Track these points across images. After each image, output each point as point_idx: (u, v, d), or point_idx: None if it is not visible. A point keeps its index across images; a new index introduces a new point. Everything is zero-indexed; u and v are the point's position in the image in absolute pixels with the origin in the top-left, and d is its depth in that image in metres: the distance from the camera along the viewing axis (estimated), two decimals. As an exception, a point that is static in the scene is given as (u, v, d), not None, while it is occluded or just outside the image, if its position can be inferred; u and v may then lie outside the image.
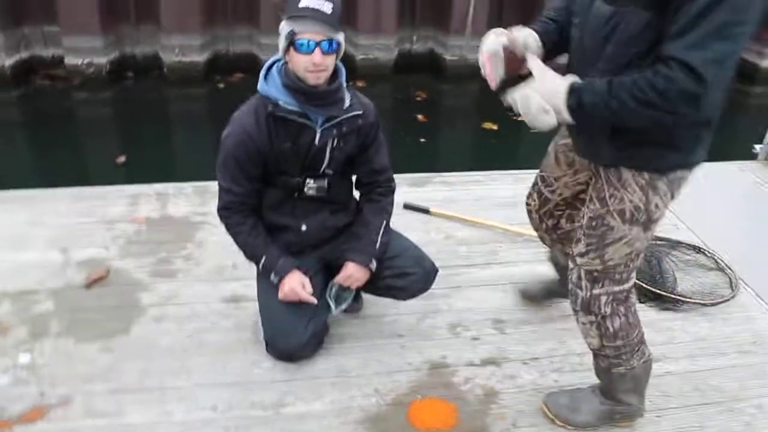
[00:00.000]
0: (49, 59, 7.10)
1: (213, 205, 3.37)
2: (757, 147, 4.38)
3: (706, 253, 3.24)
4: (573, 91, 1.66)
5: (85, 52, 6.83)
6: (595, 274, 1.99)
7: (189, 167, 5.40)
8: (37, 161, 5.57)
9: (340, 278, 2.41)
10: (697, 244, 3.31)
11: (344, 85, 2.27)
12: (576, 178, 2.22)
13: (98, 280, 2.89)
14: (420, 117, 6.76)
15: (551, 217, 2.38)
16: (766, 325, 2.84)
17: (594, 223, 1.95)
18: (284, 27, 2.11)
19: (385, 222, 2.46)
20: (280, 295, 2.37)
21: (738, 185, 4.08)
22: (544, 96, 1.68)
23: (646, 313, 2.84)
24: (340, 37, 2.14)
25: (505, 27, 1.89)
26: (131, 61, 7.27)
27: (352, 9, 7.36)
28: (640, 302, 2.90)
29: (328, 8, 2.07)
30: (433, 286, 2.55)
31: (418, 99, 7.35)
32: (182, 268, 3.00)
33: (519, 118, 1.75)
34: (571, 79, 1.70)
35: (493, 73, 1.79)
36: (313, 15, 2.04)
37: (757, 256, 3.29)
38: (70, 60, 6.84)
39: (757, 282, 3.08)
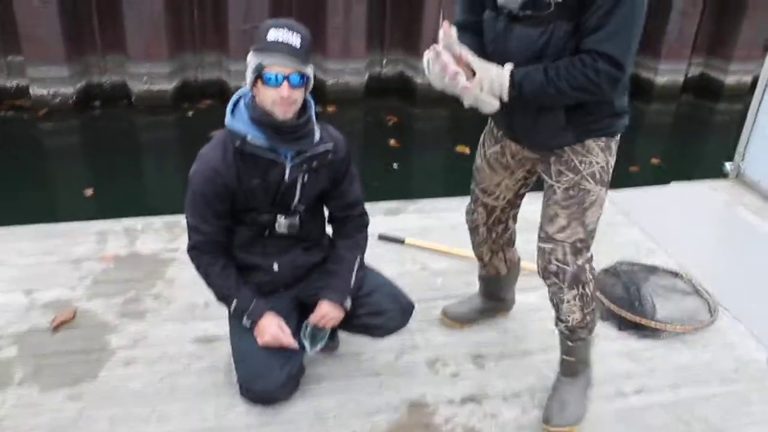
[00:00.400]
0: (13, 89, 6.96)
1: (183, 240, 3.28)
2: (728, 165, 4.42)
3: (683, 277, 3.23)
4: (514, 82, 1.91)
5: (51, 82, 6.70)
6: (578, 244, 2.16)
7: (159, 199, 5.31)
8: (1, 195, 5.41)
9: (314, 318, 2.35)
10: (674, 269, 3.30)
11: (314, 118, 2.22)
12: (514, 176, 2.40)
13: (64, 323, 2.78)
14: (392, 142, 6.74)
15: (500, 223, 2.53)
16: (746, 350, 2.83)
17: (571, 192, 2.13)
18: (252, 59, 2.06)
19: (359, 258, 2.41)
20: (260, 341, 2.30)
21: (710, 205, 4.11)
22: (490, 85, 1.90)
23: (625, 342, 2.83)
24: (309, 70, 2.09)
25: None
26: (98, 90, 7.16)
27: (322, 34, 7.35)
28: (619, 329, 2.89)
29: (296, 41, 2.02)
30: (411, 321, 2.49)
31: (390, 123, 7.34)
32: (152, 308, 2.90)
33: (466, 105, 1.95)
34: (509, 68, 1.92)
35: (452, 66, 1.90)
36: (282, 48, 2.00)
37: (733, 278, 3.30)
38: (36, 90, 6.71)
39: (735, 305, 3.07)
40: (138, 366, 2.56)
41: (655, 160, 6.73)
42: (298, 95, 2.09)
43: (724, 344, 2.86)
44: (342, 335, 2.67)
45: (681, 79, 8.66)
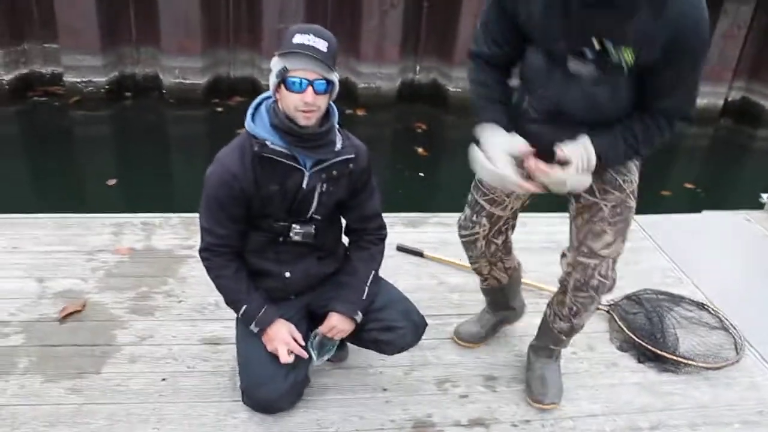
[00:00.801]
0: (48, 76, 7.02)
1: (199, 238, 3.28)
2: (764, 196, 4.26)
3: (711, 310, 3.10)
4: (600, 157, 1.92)
5: (84, 70, 6.74)
6: (617, 258, 2.22)
7: (179, 194, 5.28)
8: (26, 180, 5.43)
9: (323, 328, 2.28)
10: (701, 301, 3.18)
11: (336, 127, 2.16)
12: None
13: (73, 314, 2.76)
14: (420, 150, 6.66)
15: (500, 234, 2.46)
16: (771, 392, 2.70)
17: (618, 210, 2.16)
18: (276, 63, 2.01)
19: (373, 272, 2.33)
20: (270, 348, 2.24)
21: (744, 237, 3.96)
22: (583, 165, 1.91)
23: (645, 375, 2.72)
24: (335, 77, 2.03)
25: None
26: (130, 81, 7.19)
27: (356, 37, 7.30)
28: (639, 362, 2.78)
29: (323, 46, 1.96)
30: (423, 337, 2.41)
31: (419, 131, 7.26)
32: (162, 305, 2.87)
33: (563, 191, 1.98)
34: (588, 141, 1.91)
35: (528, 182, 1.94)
36: (307, 52, 1.94)
37: (763, 315, 3.16)
38: (69, 78, 6.76)
39: (763, 345, 2.94)
40: (142, 364, 2.53)
41: (688, 185, 6.55)
42: (322, 102, 2.03)
43: (748, 384, 2.73)
44: (351, 347, 2.60)
45: (721, 102, 8.43)
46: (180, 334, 2.70)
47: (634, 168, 2.18)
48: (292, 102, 1.99)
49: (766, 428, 2.52)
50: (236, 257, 2.25)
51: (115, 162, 5.99)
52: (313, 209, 2.19)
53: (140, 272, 3.07)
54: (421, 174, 6.03)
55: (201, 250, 2.25)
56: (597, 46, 1.80)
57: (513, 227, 2.50)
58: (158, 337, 2.68)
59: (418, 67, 8.06)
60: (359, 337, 2.36)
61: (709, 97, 8.35)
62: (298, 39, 1.94)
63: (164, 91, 7.05)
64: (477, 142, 2.00)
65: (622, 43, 1.78)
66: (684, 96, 1.91)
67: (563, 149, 1.91)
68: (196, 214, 3.42)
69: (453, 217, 3.78)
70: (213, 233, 2.19)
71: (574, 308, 2.29)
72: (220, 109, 7.06)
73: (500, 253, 2.50)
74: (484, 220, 2.40)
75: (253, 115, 2.12)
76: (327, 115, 2.10)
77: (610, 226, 2.16)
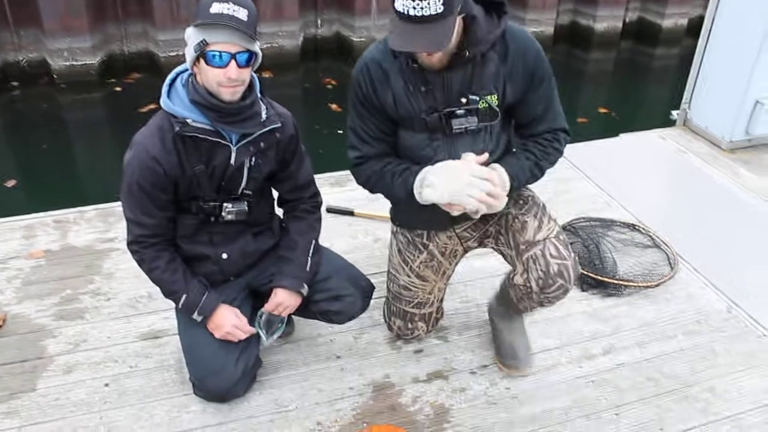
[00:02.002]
0: None
1: (119, 229, 3.11)
2: (674, 113, 4.39)
3: (642, 230, 3.19)
4: (513, 179, 2.02)
5: (-40, 63, 6.23)
6: (561, 236, 2.12)
7: (90, 185, 5.00)
8: None
9: (269, 306, 2.20)
10: (631, 222, 3.26)
11: (259, 96, 2.03)
12: (446, 276, 2.40)
13: (-6, 331, 2.56)
14: (334, 106, 6.52)
15: (437, 320, 2.53)
16: (707, 301, 2.81)
17: (521, 201, 2.18)
18: (193, 35, 1.85)
19: (313, 241, 2.25)
20: (218, 335, 2.14)
21: (661, 154, 4.08)
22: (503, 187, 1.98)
23: (590, 302, 2.78)
24: (257, 47, 1.90)
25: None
26: (15, 69, 6.68)
27: None
28: (582, 290, 2.83)
29: (243, 14, 1.81)
30: (369, 300, 2.37)
31: (329, 87, 7.11)
32: (91, 306, 2.70)
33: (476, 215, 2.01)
34: (502, 169, 2.00)
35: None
36: (228, 23, 1.79)
37: (689, 228, 3.28)
38: (-55, 73, 6.23)
39: (693, 255, 3.05)
40: (80, 372, 2.38)
41: (602, 110, 6.72)
42: (246, 75, 1.90)
43: (685, 296, 2.84)
44: (297, 318, 2.53)
45: (619, 25, 8.64)
46: (116, 334, 2.55)
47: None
48: (214, 77, 1.86)
49: (706, 336, 2.63)
50: (168, 246, 2.12)
51: (11, 160, 5.58)
52: (243, 185, 2.08)
53: (61, 274, 2.88)
54: (340, 131, 5.91)
55: (129, 243, 2.10)
56: (464, 101, 1.96)
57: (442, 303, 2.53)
58: (92, 340, 2.52)
59: (319, 21, 7.85)
60: (307, 309, 2.29)
61: (608, 20, 8.55)
62: (216, 8, 1.79)
63: (54, 76, 6.60)
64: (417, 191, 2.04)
65: (484, 93, 1.96)
66: (554, 114, 2.08)
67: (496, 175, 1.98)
68: (113, 204, 3.32)
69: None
70: (140, 224, 2.04)
71: (546, 302, 2.17)
72: (118, 89, 6.69)
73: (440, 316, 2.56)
74: (420, 324, 2.46)
75: (168, 92, 1.97)
76: (249, 85, 1.98)
77: (526, 215, 2.14)
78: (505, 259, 2.26)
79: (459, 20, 1.82)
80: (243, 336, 2.16)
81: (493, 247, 2.29)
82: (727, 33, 3.98)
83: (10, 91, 6.49)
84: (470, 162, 1.97)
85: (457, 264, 2.41)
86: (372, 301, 2.47)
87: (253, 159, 2.05)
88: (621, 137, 4.21)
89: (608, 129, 5.17)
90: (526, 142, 2.13)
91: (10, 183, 4.92)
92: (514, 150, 2.17)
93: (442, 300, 2.49)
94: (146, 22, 6.96)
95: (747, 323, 2.69)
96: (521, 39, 1.98)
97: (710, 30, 4.05)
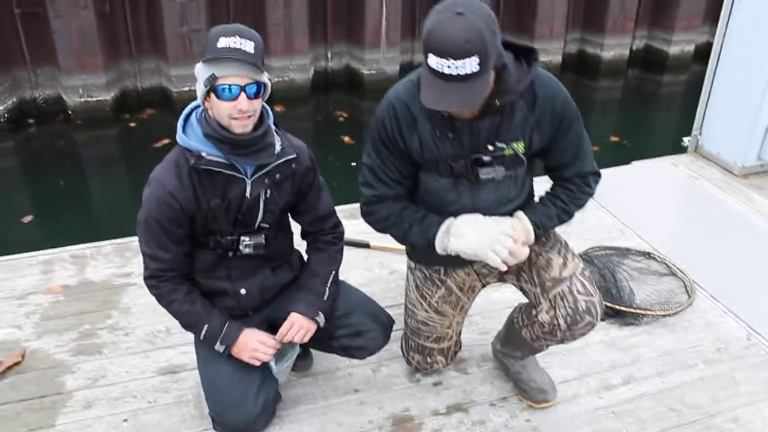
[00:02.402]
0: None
1: (136, 264, 3.13)
2: (686, 140, 4.40)
3: (657, 258, 3.18)
4: (538, 227, 2.05)
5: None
6: (587, 273, 2.12)
7: (106, 220, 5.03)
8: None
9: (283, 329, 2.17)
10: (646, 250, 3.25)
11: (273, 128, 2.06)
12: (464, 310, 2.40)
13: (12, 367, 2.56)
14: (347, 139, 6.58)
15: (456, 353, 2.50)
16: (726, 329, 2.79)
17: (543, 240, 2.16)
18: (202, 70, 1.89)
19: (333, 272, 2.26)
20: (245, 358, 2.12)
21: (674, 181, 4.08)
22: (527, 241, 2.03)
23: (608, 331, 2.76)
24: (265, 77, 1.93)
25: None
26: (31, 107, 6.78)
27: (262, 32, 6.97)
28: (600, 320, 2.80)
29: (250, 47, 1.85)
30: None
31: (341, 119, 7.17)
32: (109, 341, 2.71)
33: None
34: (522, 215, 2.05)
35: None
36: (235, 56, 1.82)
37: (704, 254, 3.27)
38: (-39, 112, 6.33)
39: (710, 283, 3.04)
40: (99, 408, 2.38)
41: (614, 138, 6.73)
42: (257, 106, 1.92)
43: (704, 324, 2.82)
44: (315, 353, 2.53)
45: (626, 52, 8.70)
46: (134, 369, 2.56)
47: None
48: (224, 110, 1.89)
49: (727, 364, 2.61)
50: (184, 279, 2.13)
51: (28, 196, 5.63)
52: (260, 218, 2.09)
53: (79, 309, 2.89)
54: (353, 163, 5.95)
55: (146, 278, 2.11)
56: (492, 149, 1.95)
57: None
58: (111, 375, 2.53)
59: (329, 54, 7.95)
60: (329, 345, 2.30)
61: (615, 49, 8.61)
62: (223, 42, 1.83)
63: (70, 113, 6.69)
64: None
65: (511, 140, 1.96)
66: (583, 158, 2.07)
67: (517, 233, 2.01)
68: (129, 239, 3.34)
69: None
70: (157, 258, 2.06)
71: (568, 340, 2.14)
72: (133, 124, 6.76)
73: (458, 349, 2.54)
74: (439, 357, 2.43)
75: (183, 127, 2.00)
76: (261, 117, 2.00)
77: (550, 252, 2.13)
78: (526, 295, 2.21)
79: (494, 74, 1.81)
80: (271, 352, 2.14)
81: (513, 283, 2.24)
82: (736, 58, 4.00)
83: (27, 129, 6.58)
84: (500, 221, 2.01)
85: (475, 297, 2.40)
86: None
87: (269, 191, 2.07)
88: (633, 165, 4.22)
89: (619, 156, 5.17)
90: (555, 188, 2.14)
91: (27, 219, 4.96)
92: (542, 195, 2.16)
93: (460, 333, 2.47)
94: (159, 58, 7.06)
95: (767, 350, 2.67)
96: (549, 86, 1.97)
97: (719, 56, 4.08)
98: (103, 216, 5.25)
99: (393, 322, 2.35)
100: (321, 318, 2.20)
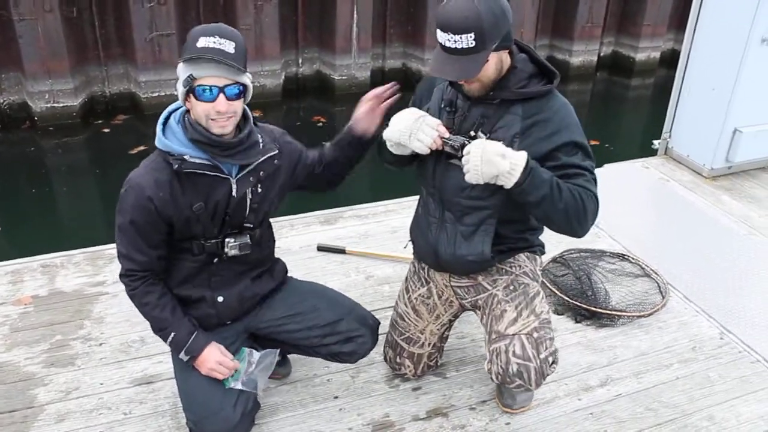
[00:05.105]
0: None
1: (109, 272, 3.08)
2: (656, 143, 4.47)
3: (631, 259, 3.22)
4: (528, 166, 1.88)
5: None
6: (535, 334, 2.04)
7: (77, 228, 4.94)
8: None
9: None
10: (620, 252, 3.29)
11: (254, 127, 2.04)
12: (439, 321, 2.38)
13: (-18, 380, 2.50)
14: (327, 145, 6.53)
15: (429, 367, 2.50)
16: (699, 328, 2.84)
17: (512, 287, 2.16)
18: (182, 70, 1.85)
19: None
20: (203, 371, 2.10)
21: (646, 184, 4.15)
22: (503, 151, 1.88)
23: (585, 333, 2.79)
24: (247, 78, 1.90)
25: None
26: (-6, 112, 6.65)
27: None
28: (576, 322, 2.84)
29: (230, 47, 1.82)
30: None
31: (319, 125, 7.14)
32: (82, 352, 2.65)
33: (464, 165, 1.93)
34: (522, 153, 1.91)
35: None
36: (214, 56, 1.80)
37: (677, 255, 3.32)
38: None
39: (683, 283, 3.09)
40: (73, 421, 2.32)
41: (594, 142, 6.79)
42: (237, 107, 1.90)
43: (678, 324, 2.86)
44: (294, 358, 2.51)
45: (594, 59, 8.85)
46: (108, 380, 2.51)
47: (522, 257, 2.22)
48: (203, 111, 1.86)
49: (701, 363, 2.65)
50: (158, 281, 2.08)
51: (-4, 205, 5.51)
52: (246, 217, 2.07)
53: (50, 320, 2.82)
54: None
55: (121, 275, 2.07)
56: (473, 135, 2.00)
57: (441, 354, 2.53)
58: (85, 387, 2.47)
59: (300, 60, 7.94)
60: (316, 351, 2.29)
61: (584, 55, 8.76)
62: (202, 42, 1.80)
63: (36, 119, 6.56)
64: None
65: (493, 135, 1.98)
66: (590, 181, 1.98)
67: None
68: (101, 247, 3.28)
69: (368, 209, 3.80)
70: (131, 259, 2.02)
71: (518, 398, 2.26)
72: (106, 130, 6.65)
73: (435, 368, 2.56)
74: (407, 362, 2.45)
75: (163, 130, 1.97)
76: (245, 117, 1.99)
77: (509, 303, 2.12)
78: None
79: (499, 60, 1.93)
80: (227, 372, 2.11)
81: (480, 321, 2.27)
82: (703, 63, 4.08)
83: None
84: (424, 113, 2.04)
85: (452, 317, 2.40)
86: (370, 339, 2.46)
87: (255, 189, 2.05)
88: (605, 167, 4.27)
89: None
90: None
91: (-7, 230, 4.85)
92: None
93: (435, 347, 2.45)
94: (128, 63, 6.98)
95: (740, 349, 2.72)
96: (552, 110, 1.98)
97: (687, 60, 4.16)
98: (73, 224, 5.16)
99: (379, 323, 2.34)
100: None
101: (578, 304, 2.84)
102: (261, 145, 2.03)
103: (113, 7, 6.74)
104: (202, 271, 2.10)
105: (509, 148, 1.89)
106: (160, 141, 1.95)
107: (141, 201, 1.93)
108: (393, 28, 8.02)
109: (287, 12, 7.52)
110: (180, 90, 1.88)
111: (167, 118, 2.00)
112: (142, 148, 6.01)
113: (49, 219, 5.17)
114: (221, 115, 1.86)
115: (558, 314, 2.87)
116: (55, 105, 6.58)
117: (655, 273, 3.11)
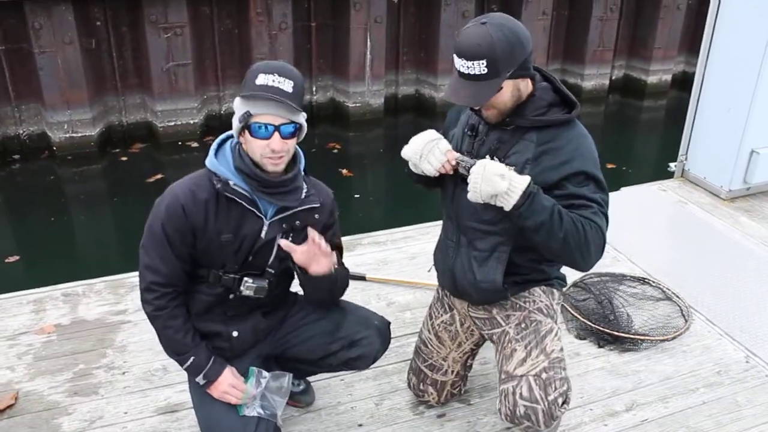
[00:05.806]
0: None
1: (130, 301, 3.10)
2: (672, 165, 4.47)
3: (652, 283, 3.20)
4: (530, 188, 1.87)
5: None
6: (544, 375, 1.97)
7: (97, 257, 4.96)
8: None
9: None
10: (641, 275, 3.27)
11: (302, 172, 2.04)
12: (461, 349, 2.38)
13: (6, 410, 2.50)
14: (344, 171, 6.57)
15: (453, 396, 2.49)
16: (724, 352, 2.81)
17: (523, 325, 2.11)
18: (239, 106, 1.88)
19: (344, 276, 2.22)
20: (216, 395, 2.08)
21: (663, 206, 4.14)
22: (502, 172, 1.88)
23: (608, 358, 2.77)
24: (302, 118, 1.91)
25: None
26: (15, 143, 6.74)
27: (246, 66, 7.05)
28: (599, 347, 2.82)
29: (288, 86, 1.83)
30: (385, 362, 2.38)
31: (335, 151, 7.18)
32: (105, 381, 2.66)
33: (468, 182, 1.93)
34: (525, 177, 1.90)
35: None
36: (273, 95, 1.81)
37: (698, 278, 3.30)
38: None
39: (705, 306, 3.06)
40: (97, 450, 2.33)
41: (610, 166, 6.79)
42: (291, 146, 1.91)
43: (702, 348, 2.83)
44: (317, 386, 2.51)
45: (606, 82, 8.90)
46: (132, 409, 2.51)
47: (538, 291, 2.18)
48: (258, 148, 1.88)
49: (728, 387, 2.62)
50: (181, 302, 2.06)
51: (13, 235, 5.54)
52: (269, 262, 2.06)
53: (73, 349, 2.84)
54: (357, 195, 5.92)
55: (143, 291, 2.03)
56: (487, 158, 1.98)
57: (465, 382, 2.51)
58: (108, 416, 2.47)
59: (314, 88, 8.02)
60: (329, 364, 2.26)
61: (596, 78, 8.81)
62: (261, 80, 1.83)
63: (54, 149, 6.66)
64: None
65: (505, 162, 1.97)
66: (601, 213, 1.94)
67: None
68: (123, 276, 3.31)
69: (386, 235, 3.81)
70: (156, 270, 1.99)
71: None
72: (124, 159, 6.73)
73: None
74: (431, 389, 2.44)
75: (216, 152, 1.99)
76: (294, 158, 1.99)
77: (519, 343, 2.08)
78: None
79: (516, 89, 1.94)
80: (239, 395, 2.09)
81: (495, 357, 2.22)
82: (718, 84, 4.09)
83: (11, 165, 6.52)
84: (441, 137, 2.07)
85: (474, 345, 2.38)
86: (390, 367, 2.45)
87: (285, 237, 2.03)
88: (622, 191, 4.27)
89: (607, 181, 5.23)
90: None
91: (12, 258, 4.88)
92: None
93: (458, 375, 2.44)
94: (144, 92, 7.08)
95: (767, 372, 2.69)
96: (566, 139, 1.97)
97: (702, 82, 4.17)
98: (92, 252, 5.18)
99: (388, 323, 2.30)
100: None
101: (601, 328, 2.83)
102: (305, 194, 2.03)
103: (131, 37, 6.86)
104: (217, 305, 2.09)
105: (512, 171, 1.89)
106: (210, 161, 1.97)
107: (177, 210, 1.93)
108: (406, 55, 8.10)
109: (301, 41, 7.61)
110: (235, 125, 1.90)
111: (223, 141, 2.02)
112: (159, 176, 6.10)
113: (68, 247, 5.21)
114: (275, 153, 1.87)
115: (581, 339, 2.85)
116: (74, 135, 6.68)
117: (677, 296, 3.10)
